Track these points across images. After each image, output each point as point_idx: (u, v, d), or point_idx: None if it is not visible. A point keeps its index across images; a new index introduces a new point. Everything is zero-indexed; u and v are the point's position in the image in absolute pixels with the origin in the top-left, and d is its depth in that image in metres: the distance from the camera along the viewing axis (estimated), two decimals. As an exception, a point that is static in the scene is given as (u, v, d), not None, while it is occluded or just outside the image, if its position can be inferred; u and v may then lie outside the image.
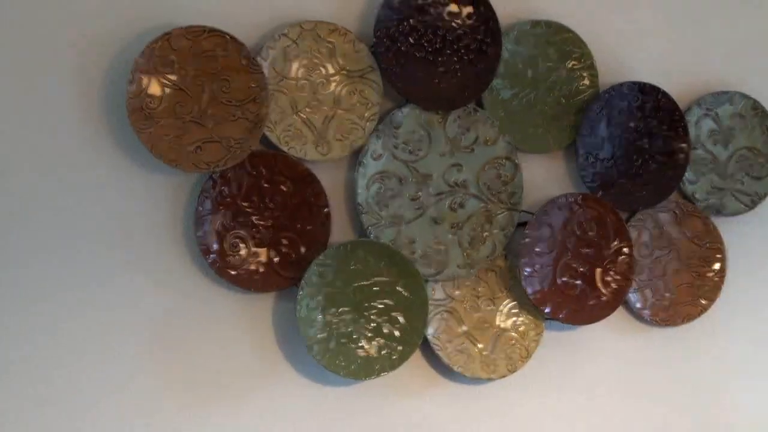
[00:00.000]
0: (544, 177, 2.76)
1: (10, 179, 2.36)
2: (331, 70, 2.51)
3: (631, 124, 2.74)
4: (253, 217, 2.46)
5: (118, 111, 2.39)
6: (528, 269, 2.63)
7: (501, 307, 2.67)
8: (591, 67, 2.74)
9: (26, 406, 2.39)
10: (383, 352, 2.52)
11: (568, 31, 2.71)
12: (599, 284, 2.68)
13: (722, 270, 2.84)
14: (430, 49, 2.57)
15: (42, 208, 2.39)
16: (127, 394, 2.43)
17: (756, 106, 2.87)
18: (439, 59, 2.57)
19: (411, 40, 2.54)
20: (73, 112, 2.40)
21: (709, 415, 2.96)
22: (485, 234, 2.62)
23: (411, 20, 2.54)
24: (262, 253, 2.47)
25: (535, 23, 2.69)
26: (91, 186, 2.41)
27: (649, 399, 2.89)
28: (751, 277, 2.95)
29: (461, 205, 2.61)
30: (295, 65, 2.49)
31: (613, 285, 2.69)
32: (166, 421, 2.47)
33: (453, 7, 2.57)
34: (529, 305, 2.67)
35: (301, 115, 2.49)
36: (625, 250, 2.70)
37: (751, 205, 2.87)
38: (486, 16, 2.60)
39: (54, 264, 2.39)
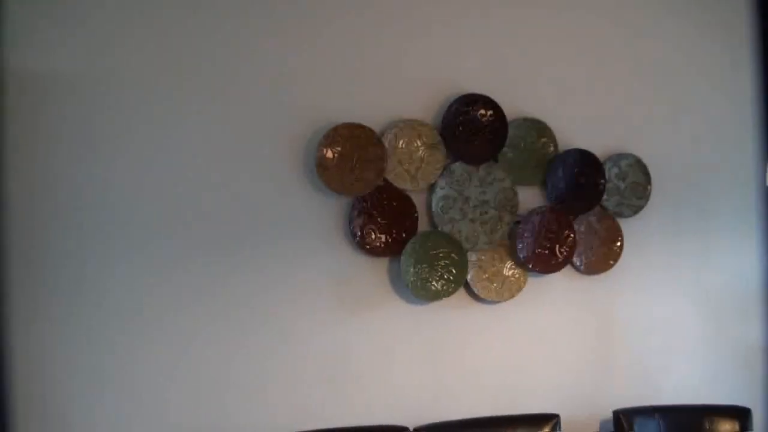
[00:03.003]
0: (529, 197, 2.77)
1: (253, 202, 2.48)
2: (419, 144, 2.59)
3: (575, 170, 2.76)
4: (379, 218, 2.55)
5: (311, 166, 2.51)
6: (520, 245, 2.69)
7: (506, 264, 2.72)
8: (554, 141, 2.77)
9: (259, 319, 2.49)
10: (444, 287, 2.60)
11: (541, 122, 2.75)
12: (557, 252, 2.74)
13: (621, 245, 2.85)
14: (469, 132, 2.64)
15: (269, 220, 2.50)
16: (320, 307, 2.55)
17: (639, 161, 2.86)
18: (474, 137, 2.64)
19: (460, 128, 2.62)
20: (288, 166, 2.51)
21: (607, 316, 2.90)
22: (498, 227, 2.67)
23: (460, 117, 2.62)
24: (383, 237, 2.55)
25: (525, 118, 2.73)
26: (295, 205, 2.52)
27: (580, 309, 2.86)
28: (635, 249, 2.89)
29: (485, 212, 2.67)
30: (401, 141, 2.57)
31: (564, 253, 2.75)
32: (337, 319, 2.56)
33: (482, 111, 2.64)
34: (520, 263, 2.73)
35: (404, 166, 2.58)
36: (571, 235, 2.75)
37: (636, 212, 2.87)
38: (499, 115, 2.67)
39: (275, 248, 2.50)
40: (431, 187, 2.65)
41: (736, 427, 2.76)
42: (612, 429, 2.75)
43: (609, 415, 2.77)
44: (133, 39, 2.39)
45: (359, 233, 2.54)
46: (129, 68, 2.38)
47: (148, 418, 2.38)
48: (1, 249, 2.24)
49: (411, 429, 2.52)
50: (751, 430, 2.78)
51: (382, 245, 2.56)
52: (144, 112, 2.39)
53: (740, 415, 2.78)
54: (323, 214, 2.55)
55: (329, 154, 2.49)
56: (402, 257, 2.56)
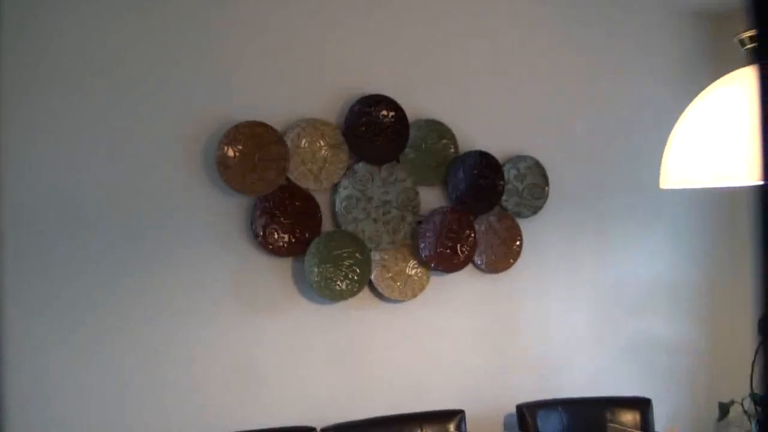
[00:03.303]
0: (431, 198, 2.79)
1: (151, 200, 2.41)
2: (322, 143, 2.58)
3: (475, 171, 2.80)
4: (281, 218, 2.52)
5: (211, 164, 2.46)
6: (422, 244, 2.71)
7: (409, 264, 2.73)
8: (454, 142, 2.79)
9: (158, 321, 2.43)
10: (349, 287, 2.60)
11: (442, 124, 2.77)
12: (459, 252, 2.76)
13: (521, 244, 2.90)
14: (372, 133, 2.64)
15: (169, 216, 2.44)
16: (217, 309, 2.49)
17: (537, 163, 2.92)
18: (377, 138, 2.65)
19: (363, 128, 2.63)
20: (188, 164, 2.46)
21: (508, 313, 2.95)
22: (401, 227, 2.69)
23: (363, 118, 2.62)
24: (285, 237, 2.53)
25: (426, 120, 2.75)
26: (196, 204, 2.47)
27: (482, 306, 2.89)
28: (534, 248, 2.94)
29: (388, 212, 2.68)
30: (303, 140, 2.55)
31: (466, 252, 2.78)
32: (237, 323, 2.51)
33: (384, 111, 2.66)
34: (423, 263, 2.74)
35: (307, 166, 2.56)
36: (472, 235, 2.78)
37: (535, 212, 2.93)
38: (401, 116, 2.68)
39: (175, 248, 2.44)
40: (334, 187, 2.64)
41: (638, 416, 2.83)
42: (516, 423, 2.79)
43: (513, 409, 2.81)
44: (46, 34, 2.30)
45: (261, 233, 2.51)
46: (46, 62, 2.30)
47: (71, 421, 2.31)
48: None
49: (318, 429, 2.50)
50: (653, 419, 2.86)
51: (286, 245, 2.54)
52: (51, 107, 2.31)
53: (641, 405, 2.86)
54: (225, 213, 2.52)
55: (230, 153, 2.46)
56: (306, 257, 2.55)
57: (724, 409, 3.07)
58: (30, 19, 2.28)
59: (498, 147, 2.89)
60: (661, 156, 1.57)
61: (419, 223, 2.75)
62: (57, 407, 2.31)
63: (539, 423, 2.76)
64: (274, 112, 2.55)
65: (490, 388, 2.91)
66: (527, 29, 2.99)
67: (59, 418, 2.31)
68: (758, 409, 2.98)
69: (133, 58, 2.40)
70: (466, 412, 2.69)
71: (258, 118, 2.50)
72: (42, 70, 2.30)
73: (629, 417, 2.82)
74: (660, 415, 3.05)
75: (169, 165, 2.45)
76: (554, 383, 2.99)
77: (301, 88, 2.61)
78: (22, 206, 2.28)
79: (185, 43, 2.47)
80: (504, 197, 2.89)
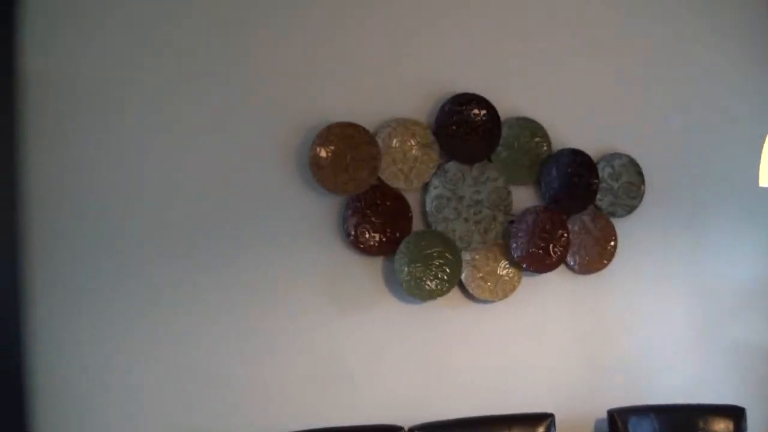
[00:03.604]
0: (523, 197, 2.76)
1: (245, 199, 2.46)
2: (413, 143, 2.58)
3: (569, 170, 2.75)
4: (372, 218, 2.53)
5: (304, 164, 2.49)
6: (514, 244, 2.68)
7: (500, 264, 2.70)
8: (547, 141, 2.75)
9: (250, 323, 2.47)
10: (438, 287, 2.59)
11: (535, 122, 2.73)
12: (551, 252, 2.72)
13: (615, 245, 2.84)
14: (463, 132, 2.63)
15: (263, 215, 2.48)
16: (308, 307, 2.51)
17: (632, 161, 2.86)
18: (468, 137, 2.63)
19: (454, 127, 2.61)
20: (282, 164, 2.50)
21: (601, 315, 2.89)
22: (492, 226, 2.66)
23: (454, 117, 2.61)
24: (376, 236, 2.54)
25: (518, 118, 2.72)
26: (289, 204, 2.51)
27: (574, 308, 2.85)
28: (629, 249, 2.88)
29: (479, 212, 2.66)
30: (394, 140, 2.56)
31: (558, 252, 2.73)
32: (328, 321, 2.54)
33: (475, 110, 2.63)
34: (514, 263, 2.71)
35: (398, 166, 2.57)
36: (565, 235, 2.74)
37: (630, 212, 2.87)
38: (492, 114, 2.66)
39: (269, 246, 2.48)
40: (425, 187, 2.63)
41: (731, 426, 2.74)
42: (607, 428, 2.73)
43: (604, 414, 2.75)
44: (140, 43, 2.38)
45: (353, 232, 2.53)
46: (136, 71, 2.38)
47: (144, 418, 2.37)
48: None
49: (406, 428, 2.50)
50: (746, 429, 2.76)
51: (376, 244, 2.55)
52: (143, 112, 2.39)
53: (735, 414, 2.77)
54: (317, 213, 2.54)
55: (323, 153, 2.48)
56: (396, 256, 2.55)
57: (828, 421, 2.92)
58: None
59: (592, 145, 2.84)
60: (761, 152, 1.49)
61: (511, 222, 2.71)
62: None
63: (630, 429, 2.70)
64: (366, 112, 2.56)
65: (581, 392, 2.86)
66: (622, 24, 2.93)
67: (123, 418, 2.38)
68: None
69: (227, 59, 2.46)
70: (555, 415, 2.65)
71: (350, 119, 2.52)
72: (133, 72, 2.38)
73: (722, 426, 2.75)
74: (754, 425, 2.93)
75: (263, 165, 2.49)
76: (647, 388, 2.93)
77: (392, 88, 2.62)
78: (132, 208, 2.37)
79: (278, 44, 2.50)
80: (598, 196, 2.83)
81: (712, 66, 3.06)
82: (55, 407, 2.29)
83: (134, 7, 2.38)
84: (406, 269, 2.55)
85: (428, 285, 2.58)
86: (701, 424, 2.74)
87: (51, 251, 2.29)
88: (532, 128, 2.75)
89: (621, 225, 2.88)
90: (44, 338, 2.28)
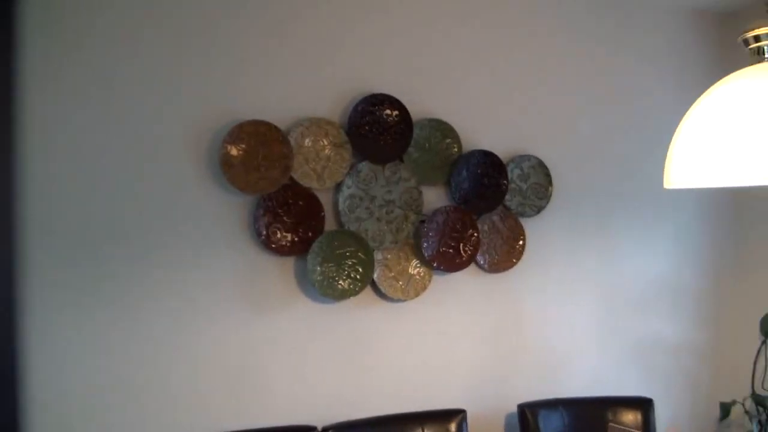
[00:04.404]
0: (434, 197, 2.78)
1: (157, 199, 2.40)
2: (326, 143, 2.56)
3: (479, 171, 2.78)
4: (284, 217, 2.51)
5: (215, 163, 2.45)
6: (425, 244, 2.70)
7: (412, 263, 2.71)
8: (458, 142, 2.77)
9: (162, 319, 2.41)
10: (351, 286, 2.58)
11: (446, 123, 2.75)
12: (462, 251, 2.74)
13: (524, 244, 2.88)
14: (376, 132, 2.63)
15: (174, 215, 2.42)
16: (219, 307, 2.47)
17: (541, 162, 2.90)
18: (380, 137, 2.63)
19: (366, 127, 2.61)
20: (192, 163, 2.44)
21: (511, 313, 2.93)
22: (404, 226, 2.67)
23: (366, 117, 2.61)
24: (289, 236, 2.51)
25: (430, 119, 2.73)
26: (200, 203, 2.45)
27: (484, 306, 2.87)
28: (537, 248, 2.94)
29: (391, 211, 2.66)
30: (307, 140, 2.54)
31: (469, 252, 2.76)
32: (240, 322, 2.50)
33: (388, 111, 2.64)
34: (425, 262, 2.72)
35: (310, 165, 2.55)
36: (475, 234, 2.76)
37: (538, 212, 2.91)
38: (404, 115, 2.67)
39: (180, 246, 2.43)
40: (337, 186, 2.63)
41: (639, 417, 2.81)
42: (517, 422, 2.77)
43: (514, 409, 2.80)
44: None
45: (264, 232, 2.50)
46: (51, 66, 2.28)
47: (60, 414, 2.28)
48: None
49: (319, 428, 2.49)
50: (654, 420, 2.84)
51: (289, 244, 2.53)
52: (61, 107, 2.30)
53: (643, 405, 2.85)
54: (228, 212, 2.50)
55: (234, 152, 2.44)
56: (309, 256, 2.54)
57: (725, 409, 3.06)
58: (46, 32, 2.27)
59: (502, 146, 2.88)
60: (666, 155, 1.55)
61: (422, 222, 2.73)
62: (73, 404, 2.31)
63: (540, 423, 2.74)
64: (278, 110, 2.53)
65: (492, 388, 2.90)
66: (531, 27, 2.97)
67: (76, 415, 2.31)
68: (759, 409, 2.97)
69: (139, 59, 2.39)
70: (467, 411, 2.68)
71: (262, 117, 2.49)
72: (58, 75, 2.29)
73: (631, 417, 2.81)
74: (662, 415, 3.06)
75: (174, 163, 2.43)
76: (556, 383, 2.99)
77: (305, 87, 2.60)
78: (38, 210, 2.28)
79: (190, 42, 2.46)
80: (507, 197, 2.87)
81: (622, 69, 3.13)
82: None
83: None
84: (318, 269, 2.54)
85: (341, 284, 2.58)
86: (610, 416, 2.79)
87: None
88: (443, 129, 2.77)
89: (530, 225, 2.93)
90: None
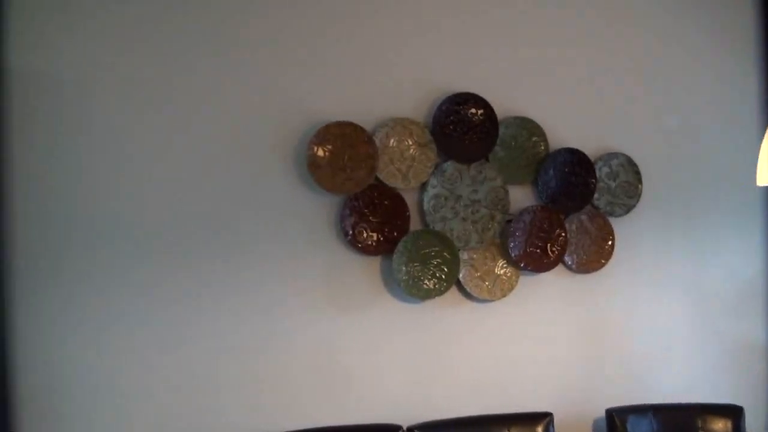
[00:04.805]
0: (521, 196, 2.75)
1: (245, 205, 2.45)
2: (410, 143, 2.57)
3: (566, 169, 2.74)
4: (370, 217, 2.52)
5: (302, 164, 2.49)
6: (512, 244, 2.67)
7: (498, 263, 2.69)
8: (544, 140, 2.74)
9: (249, 316, 2.46)
10: (437, 286, 2.58)
11: (532, 121, 2.73)
12: (549, 252, 2.71)
13: (612, 244, 2.83)
14: (461, 131, 2.61)
15: (260, 219, 2.47)
16: (306, 306, 2.51)
17: (630, 160, 2.84)
18: (466, 136, 2.62)
19: (451, 127, 2.60)
20: (279, 164, 2.49)
21: (599, 314, 2.86)
22: (490, 226, 2.65)
23: (451, 117, 2.60)
24: (374, 235, 2.53)
25: (515, 117, 2.71)
26: (288, 203, 2.50)
27: (572, 307, 2.83)
28: (627, 248, 2.87)
29: (477, 211, 2.64)
30: (392, 140, 2.55)
31: (556, 252, 2.72)
32: (326, 321, 2.53)
33: (473, 110, 2.62)
34: (512, 262, 2.70)
35: (396, 165, 2.56)
36: (563, 234, 2.73)
37: (627, 211, 2.85)
38: (490, 114, 2.65)
39: (268, 245, 2.47)
40: (423, 186, 2.62)
41: (729, 425, 2.73)
42: (605, 427, 2.71)
43: (602, 413, 2.74)
44: (131, 39, 2.37)
45: (351, 232, 2.52)
46: (126, 68, 2.36)
47: (139, 418, 2.35)
48: (5, 247, 2.23)
49: (404, 427, 2.49)
50: (744, 428, 2.74)
51: (374, 244, 2.54)
52: (139, 111, 2.37)
53: (733, 413, 2.76)
54: (315, 212, 2.53)
55: (320, 153, 2.47)
56: (394, 256, 2.54)
57: (826, 420, 2.90)
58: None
59: (589, 144, 2.83)
60: (758, 152, 1.47)
61: (509, 222, 2.70)
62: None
63: (629, 428, 2.69)
64: (363, 111, 2.55)
65: (580, 391, 2.84)
66: (618, 23, 2.92)
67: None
68: None
69: (223, 56, 2.45)
70: (554, 415, 2.64)
71: (347, 118, 2.51)
72: (130, 72, 2.37)
73: (720, 425, 2.74)
74: (752, 423, 2.93)
75: (261, 165, 2.48)
76: (645, 388, 2.91)
77: (390, 87, 2.61)
78: (126, 208, 2.36)
79: (275, 42, 2.50)
80: (596, 196, 2.82)
81: (710, 66, 3.04)
82: (39, 409, 2.28)
83: (122, 3, 2.37)
84: (404, 269, 2.54)
85: (426, 284, 2.57)
86: (700, 423, 2.72)
87: (36, 251, 2.28)
88: (529, 128, 2.74)
89: (618, 224, 2.87)
90: (29, 340, 2.26)
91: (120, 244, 2.35)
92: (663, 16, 2.97)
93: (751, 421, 2.87)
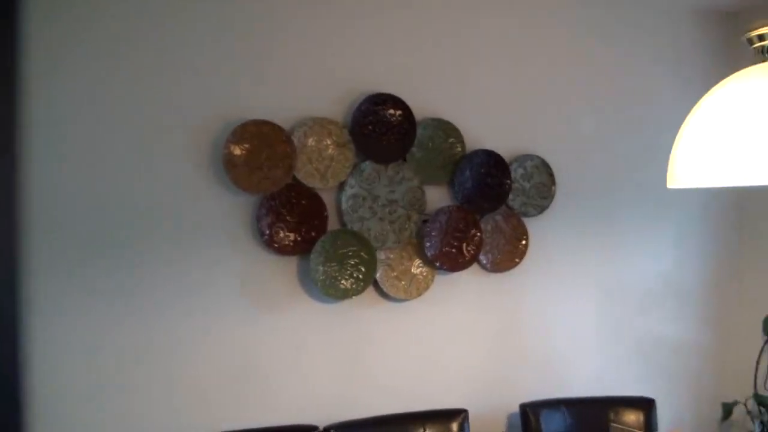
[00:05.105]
0: (437, 197, 2.77)
1: (160, 197, 2.41)
2: (329, 142, 2.56)
3: (482, 170, 2.77)
4: (287, 217, 2.51)
5: (218, 163, 2.45)
6: (428, 243, 2.69)
7: (414, 263, 2.71)
8: (461, 141, 2.77)
9: (164, 318, 2.42)
10: (354, 286, 2.58)
11: (449, 123, 2.75)
12: (464, 251, 2.74)
13: (526, 244, 2.87)
14: (379, 132, 2.62)
15: (177, 214, 2.43)
16: (222, 307, 2.48)
17: (544, 162, 2.89)
18: (384, 137, 2.62)
19: (370, 127, 2.61)
20: (195, 163, 2.45)
21: (513, 312, 2.92)
22: (406, 226, 2.67)
23: (370, 117, 2.60)
24: (291, 235, 2.51)
25: (433, 119, 2.73)
26: (203, 202, 2.46)
27: (487, 306, 2.87)
28: (540, 248, 2.92)
29: (394, 211, 2.66)
30: (310, 139, 2.54)
31: (471, 251, 2.75)
32: (242, 321, 2.50)
33: (391, 110, 2.63)
34: (428, 262, 2.72)
35: (314, 165, 2.55)
36: (478, 234, 2.76)
37: (541, 211, 2.90)
38: (408, 115, 2.66)
39: (183, 246, 2.43)
40: (341, 186, 2.62)
41: (641, 417, 2.80)
42: (519, 422, 2.76)
43: (516, 408, 2.79)
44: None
45: (267, 232, 2.49)
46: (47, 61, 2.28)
47: (45, 420, 2.27)
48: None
49: (321, 428, 2.49)
50: (656, 420, 2.83)
51: (291, 244, 2.52)
52: (69, 106, 2.30)
53: (645, 405, 2.83)
54: (231, 212, 2.50)
55: (237, 152, 2.44)
56: (311, 256, 2.53)
57: (727, 410, 3.05)
58: (46, 31, 2.28)
59: (505, 146, 2.87)
60: (669, 154, 1.55)
61: (425, 222, 2.72)
62: (73, 404, 2.32)
63: (543, 422, 2.74)
64: (281, 110, 2.53)
65: (494, 388, 2.89)
66: (534, 26, 2.96)
67: (76, 415, 2.32)
68: (761, 409, 2.96)
69: (141, 58, 2.39)
70: (469, 411, 2.68)
71: (265, 117, 2.49)
72: (61, 67, 2.30)
73: (633, 417, 2.80)
74: (663, 415, 3.04)
75: (175, 163, 2.44)
76: (558, 383, 2.98)
77: (308, 86, 2.59)
78: (40, 211, 2.28)
79: (193, 42, 2.46)
80: (510, 196, 2.86)
81: (624, 69, 3.10)
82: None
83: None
84: (321, 268, 2.54)
85: (343, 284, 2.57)
86: (612, 416, 2.78)
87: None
88: (446, 129, 2.76)
89: (532, 224, 2.92)
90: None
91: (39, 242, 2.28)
92: (579, 19, 3.02)
93: (662, 413, 2.97)
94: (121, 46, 2.37)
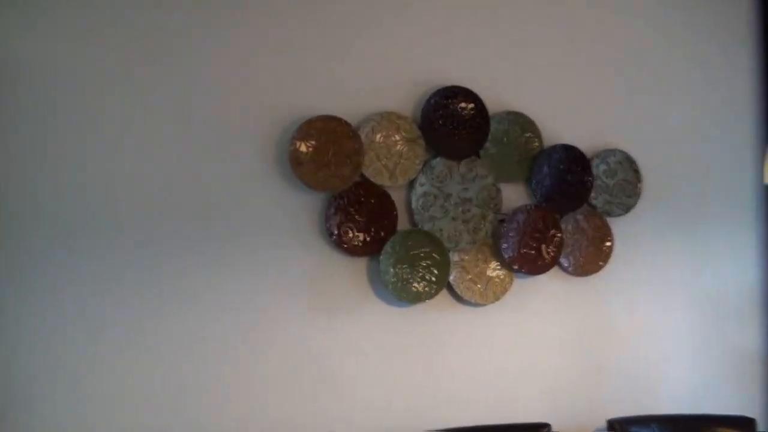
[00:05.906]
0: (513, 195, 2.69)
1: (223, 196, 2.37)
2: (398, 138, 2.49)
3: (561, 167, 2.68)
4: (356, 216, 2.44)
5: (284, 160, 2.41)
6: (505, 245, 2.60)
7: (490, 265, 2.61)
8: (538, 136, 2.68)
9: (226, 327, 2.37)
10: (426, 289, 2.49)
11: (525, 116, 2.66)
12: (544, 253, 2.63)
13: (611, 245, 2.76)
14: (450, 126, 2.55)
15: (241, 217, 2.39)
16: (288, 310, 2.42)
17: (628, 157, 2.78)
18: (455, 132, 2.55)
19: (440, 122, 2.53)
20: (261, 161, 2.41)
21: (598, 319, 2.79)
22: (481, 226, 2.57)
23: (440, 111, 2.53)
24: (361, 236, 2.45)
25: (508, 112, 2.65)
26: (269, 200, 2.42)
27: (569, 312, 2.75)
28: (626, 250, 2.80)
29: (468, 210, 2.57)
30: (378, 135, 2.48)
31: (551, 253, 2.65)
32: (309, 325, 2.45)
33: (463, 104, 2.56)
34: (505, 264, 2.62)
35: (382, 162, 2.48)
36: (558, 235, 2.65)
37: (626, 211, 2.78)
38: (480, 108, 2.58)
39: (250, 246, 2.39)
40: (411, 184, 2.54)
41: (739, 438, 2.60)
42: (606, 440, 2.60)
43: (603, 424, 2.63)
44: (104, 28, 2.30)
45: (336, 232, 2.42)
46: (99, 58, 2.28)
47: (115, 421, 2.26)
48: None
49: (391, 439, 2.39)
50: (756, 441, 2.62)
51: (360, 244, 2.45)
52: (114, 104, 2.30)
53: (744, 424, 2.65)
54: (298, 211, 2.45)
55: (303, 148, 2.39)
56: (381, 257, 2.45)
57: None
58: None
59: (585, 140, 2.77)
60: (763, 150, 1.37)
61: (501, 222, 2.62)
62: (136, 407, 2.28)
63: (632, 440, 2.56)
64: (348, 105, 2.48)
65: (579, 401, 2.74)
66: (615, 15, 2.86)
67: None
68: None
69: (199, 51, 2.38)
70: (552, 425, 2.53)
71: (331, 112, 2.44)
72: (104, 62, 2.30)
73: None
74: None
75: (240, 161, 2.41)
76: (649, 397, 2.82)
77: (376, 80, 2.54)
78: (99, 203, 2.28)
79: (258, 33, 2.44)
80: (592, 194, 2.75)
81: (712, 63, 2.98)
82: (20, 410, 2.20)
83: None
84: (392, 270, 2.45)
85: (415, 287, 2.48)
86: (709, 436, 2.61)
87: (14, 249, 2.20)
88: (522, 123, 2.67)
89: (617, 225, 2.79)
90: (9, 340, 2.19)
91: (91, 242, 2.26)
92: (663, 9, 2.92)
93: (761, 433, 2.76)
94: (183, 40, 2.37)
